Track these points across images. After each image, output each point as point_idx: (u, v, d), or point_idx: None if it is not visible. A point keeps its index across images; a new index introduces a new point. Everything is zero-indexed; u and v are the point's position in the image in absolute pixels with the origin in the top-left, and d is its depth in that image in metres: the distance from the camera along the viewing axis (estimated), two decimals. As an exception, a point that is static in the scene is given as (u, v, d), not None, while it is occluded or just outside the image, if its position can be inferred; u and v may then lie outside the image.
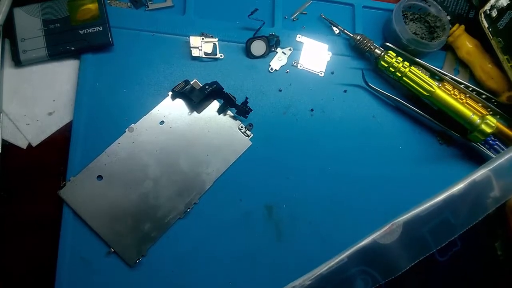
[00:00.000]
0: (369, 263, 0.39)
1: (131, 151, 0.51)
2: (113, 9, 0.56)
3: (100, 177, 0.50)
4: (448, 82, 0.60)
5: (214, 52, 0.57)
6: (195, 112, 0.54)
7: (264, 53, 0.58)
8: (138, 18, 0.57)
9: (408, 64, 0.58)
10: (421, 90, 0.58)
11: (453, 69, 0.64)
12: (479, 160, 0.61)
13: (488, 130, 0.56)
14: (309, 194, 0.55)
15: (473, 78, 0.64)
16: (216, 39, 0.57)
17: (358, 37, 0.59)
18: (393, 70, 0.58)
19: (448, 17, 0.63)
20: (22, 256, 0.49)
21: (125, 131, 0.52)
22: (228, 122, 0.55)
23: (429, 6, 0.62)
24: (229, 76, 0.57)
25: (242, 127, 0.55)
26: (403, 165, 0.59)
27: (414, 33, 0.61)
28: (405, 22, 0.61)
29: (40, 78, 0.53)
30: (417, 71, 0.58)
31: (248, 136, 0.55)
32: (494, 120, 0.56)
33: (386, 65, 0.58)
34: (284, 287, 0.41)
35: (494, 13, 0.60)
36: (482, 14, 0.61)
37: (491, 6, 0.60)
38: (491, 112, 0.60)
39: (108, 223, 0.49)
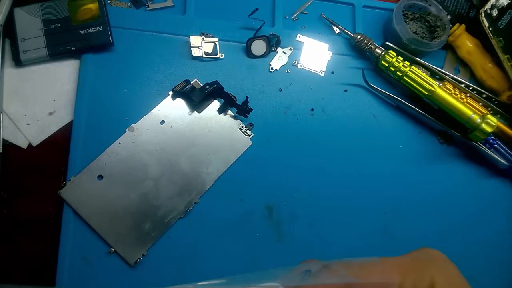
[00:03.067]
0: None
1: (131, 151, 0.51)
2: (114, 9, 0.56)
3: (100, 177, 0.50)
4: (449, 81, 0.60)
5: (214, 52, 0.57)
6: (195, 112, 0.54)
7: (265, 52, 0.58)
8: (139, 18, 0.57)
9: (408, 63, 0.58)
10: (421, 90, 0.58)
11: (453, 68, 0.64)
12: (480, 159, 0.61)
13: (489, 129, 0.56)
14: (309, 194, 0.55)
15: (473, 77, 0.64)
16: (217, 39, 0.57)
17: (359, 37, 0.59)
18: (393, 69, 0.58)
19: (449, 17, 0.63)
20: (22, 256, 0.49)
21: (126, 131, 0.52)
22: (228, 122, 0.55)
23: (430, 5, 0.62)
24: (230, 75, 0.57)
25: (242, 126, 0.55)
26: (404, 165, 0.59)
27: (415, 32, 0.61)
28: (406, 22, 0.61)
29: (40, 78, 0.53)
30: (418, 70, 0.58)
31: (249, 135, 0.55)
32: (494, 120, 0.56)
33: (387, 65, 0.58)
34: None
35: (495, 13, 0.60)
36: (483, 13, 0.61)
37: (492, 5, 0.60)
38: (491, 112, 0.60)
39: (108, 222, 0.49)
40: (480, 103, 0.60)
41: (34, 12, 0.53)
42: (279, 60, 0.59)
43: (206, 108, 0.55)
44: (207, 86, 0.53)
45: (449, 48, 0.64)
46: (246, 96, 0.54)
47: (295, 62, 0.59)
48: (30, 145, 0.51)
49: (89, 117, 0.52)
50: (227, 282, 0.28)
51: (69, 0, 0.54)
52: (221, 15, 0.59)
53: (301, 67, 0.59)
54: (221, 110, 0.55)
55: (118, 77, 0.54)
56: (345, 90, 0.60)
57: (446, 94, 0.58)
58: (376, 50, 0.59)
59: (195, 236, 0.51)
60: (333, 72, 0.60)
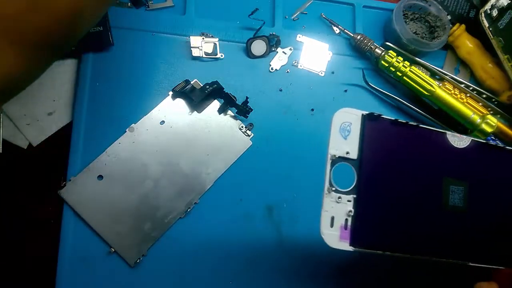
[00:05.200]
0: None
1: (131, 151, 0.51)
2: (113, 9, 0.56)
3: (100, 177, 0.50)
4: (449, 81, 0.60)
5: (214, 52, 0.57)
6: (195, 112, 0.54)
7: (265, 52, 0.58)
8: (138, 18, 0.57)
9: (408, 63, 0.58)
10: (421, 90, 0.58)
11: (453, 68, 0.64)
12: (480, 159, 0.61)
13: (489, 129, 0.56)
14: (310, 194, 0.55)
15: (473, 77, 0.64)
16: (217, 39, 0.57)
17: (359, 37, 0.59)
18: (393, 69, 0.58)
19: (449, 17, 0.63)
20: (22, 256, 0.49)
21: (126, 131, 0.52)
22: (228, 122, 0.55)
23: (430, 5, 0.62)
24: (230, 75, 0.57)
25: (242, 126, 0.55)
26: (404, 165, 0.59)
27: (415, 32, 0.61)
28: (406, 22, 0.61)
29: (40, 78, 0.53)
30: (418, 70, 0.58)
31: (249, 136, 0.55)
32: (494, 120, 0.56)
33: (387, 65, 0.58)
34: None
35: (495, 13, 0.60)
36: (483, 13, 0.61)
37: (492, 5, 0.60)
38: (491, 112, 0.60)
39: (108, 223, 0.49)
40: (480, 103, 0.60)
41: (34, 12, 0.53)
42: (279, 60, 0.59)
43: (206, 108, 0.55)
44: (207, 86, 0.53)
45: (449, 48, 0.64)
46: (246, 96, 0.54)
47: (295, 62, 0.59)
48: (30, 145, 0.51)
49: (89, 117, 0.52)
50: None
51: (69, 0, 0.54)
52: (221, 15, 0.59)
53: (301, 67, 0.59)
54: (221, 110, 0.55)
55: (118, 77, 0.54)
56: (345, 90, 0.60)
57: (446, 94, 0.58)
58: (376, 50, 0.59)
59: (195, 237, 0.51)
60: (333, 72, 0.60)
